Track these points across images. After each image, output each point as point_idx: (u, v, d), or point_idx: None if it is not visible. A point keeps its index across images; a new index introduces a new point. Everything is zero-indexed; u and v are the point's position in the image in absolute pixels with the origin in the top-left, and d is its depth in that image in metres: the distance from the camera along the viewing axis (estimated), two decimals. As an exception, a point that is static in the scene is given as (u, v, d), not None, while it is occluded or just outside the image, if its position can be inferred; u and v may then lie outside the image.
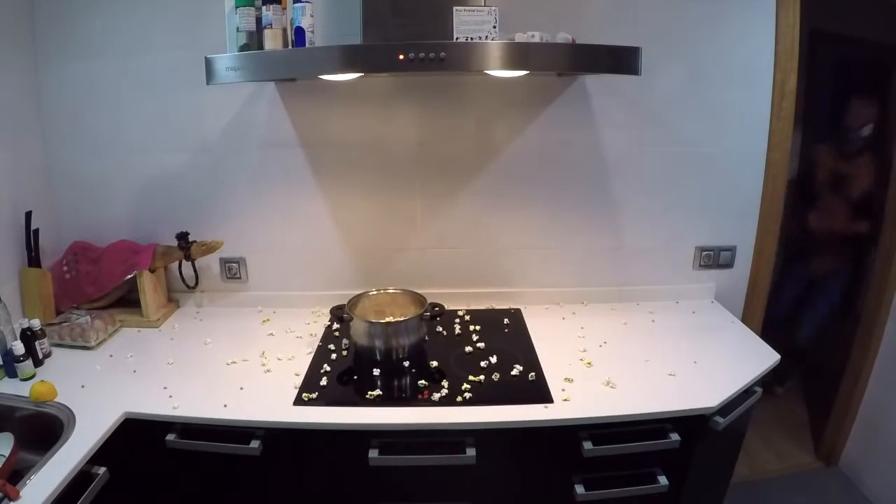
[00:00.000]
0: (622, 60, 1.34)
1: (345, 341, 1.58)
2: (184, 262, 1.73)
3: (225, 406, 1.28)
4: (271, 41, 1.35)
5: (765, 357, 1.51)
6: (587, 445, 1.26)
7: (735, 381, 1.38)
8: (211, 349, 1.57)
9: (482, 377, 1.40)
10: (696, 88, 1.73)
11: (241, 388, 1.36)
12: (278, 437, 1.26)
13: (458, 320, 1.72)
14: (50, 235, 1.71)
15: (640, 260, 1.88)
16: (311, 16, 1.37)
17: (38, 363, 1.42)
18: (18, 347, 1.35)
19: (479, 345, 1.57)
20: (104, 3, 1.62)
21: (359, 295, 1.58)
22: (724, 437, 1.36)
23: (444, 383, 1.37)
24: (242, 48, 1.36)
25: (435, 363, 1.47)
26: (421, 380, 1.38)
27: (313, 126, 1.72)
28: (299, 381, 1.39)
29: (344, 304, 1.50)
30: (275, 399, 1.31)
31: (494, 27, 1.31)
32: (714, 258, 1.89)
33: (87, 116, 1.71)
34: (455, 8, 1.30)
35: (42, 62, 1.66)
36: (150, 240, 1.76)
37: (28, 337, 1.41)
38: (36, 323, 1.43)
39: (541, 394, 1.33)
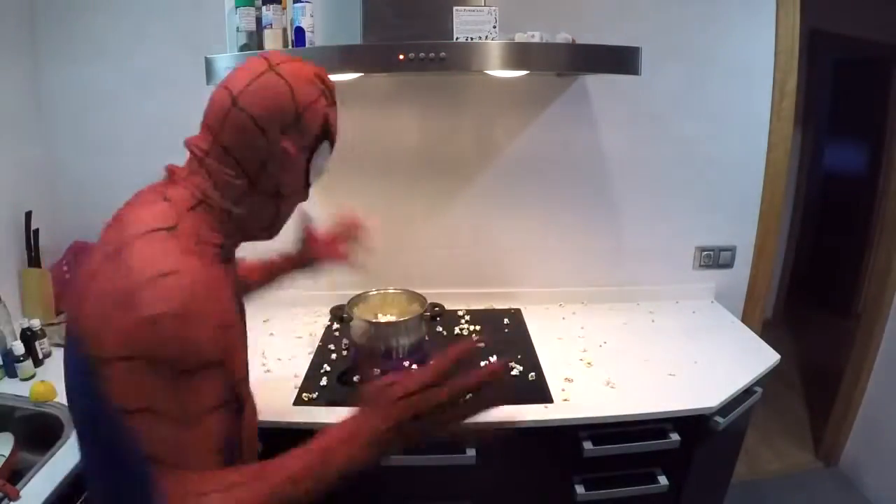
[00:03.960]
0: (622, 60, 1.34)
1: (345, 341, 1.58)
2: (184, 262, 1.72)
3: (225, 406, 1.28)
4: (271, 41, 1.35)
5: (765, 357, 1.51)
6: (587, 445, 1.26)
7: (735, 381, 1.38)
8: (211, 349, 1.57)
9: (482, 377, 1.40)
10: (696, 88, 1.73)
11: (241, 388, 1.36)
12: (278, 436, 1.25)
13: (458, 320, 1.72)
14: (50, 235, 1.71)
15: (640, 260, 1.88)
16: (311, 16, 1.37)
17: (38, 363, 1.42)
18: (18, 347, 1.35)
19: (479, 345, 1.57)
20: (104, 4, 1.62)
21: (359, 295, 1.58)
22: (724, 437, 1.36)
23: (444, 383, 1.37)
24: (242, 48, 1.36)
25: (435, 363, 1.47)
26: None
27: (313, 126, 1.71)
28: (299, 381, 1.39)
29: (344, 304, 1.50)
30: (275, 399, 1.31)
31: (494, 27, 1.31)
32: (714, 258, 1.89)
33: (87, 116, 1.71)
34: (455, 8, 1.30)
35: (42, 62, 1.66)
36: (150, 240, 1.76)
37: (28, 337, 1.40)
38: (36, 323, 1.43)
39: (541, 394, 1.33)
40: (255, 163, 0.73)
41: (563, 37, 1.37)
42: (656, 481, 1.33)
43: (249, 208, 0.76)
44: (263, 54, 0.77)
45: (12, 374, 1.36)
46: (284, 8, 1.36)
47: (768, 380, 1.48)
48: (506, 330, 1.68)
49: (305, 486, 0.63)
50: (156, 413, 0.61)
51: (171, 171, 0.75)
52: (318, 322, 1.73)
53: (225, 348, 0.66)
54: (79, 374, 0.67)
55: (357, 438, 0.64)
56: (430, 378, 0.64)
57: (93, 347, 0.62)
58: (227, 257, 0.78)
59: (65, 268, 1.73)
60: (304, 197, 0.83)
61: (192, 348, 0.62)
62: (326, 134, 0.80)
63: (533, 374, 1.41)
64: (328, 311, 1.58)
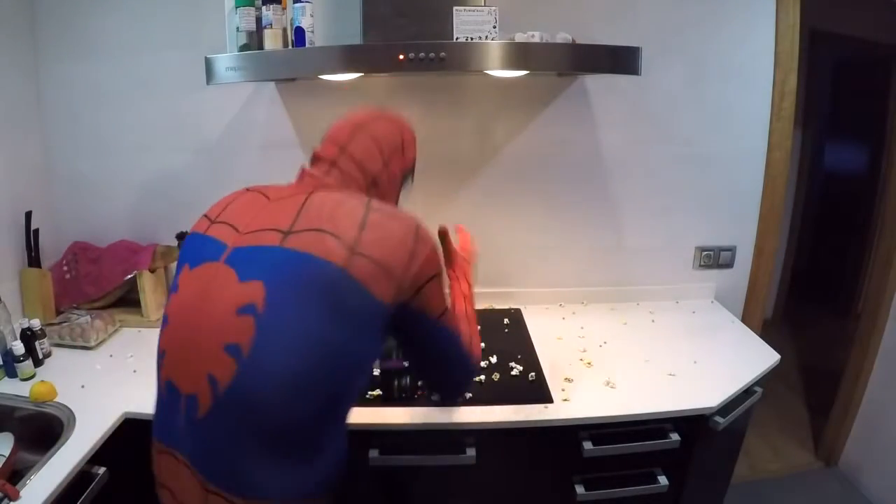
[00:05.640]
0: (622, 60, 1.34)
1: (345, 341, 1.58)
2: (184, 262, 1.73)
3: (225, 406, 1.28)
4: (271, 41, 1.35)
5: (765, 357, 1.51)
6: (587, 445, 1.26)
7: (735, 381, 1.38)
8: (211, 349, 1.57)
9: (482, 377, 1.40)
10: (696, 88, 1.73)
11: (241, 388, 1.36)
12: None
13: (458, 320, 1.72)
14: (50, 235, 1.71)
15: (640, 260, 1.88)
16: (311, 16, 1.37)
17: (38, 363, 1.42)
18: (18, 347, 1.35)
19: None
20: (104, 4, 1.62)
21: (359, 295, 1.58)
22: (724, 437, 1.36)
23: (444, 383, 1.37)
24: (242, 48, 1.36)
25: (435, 363, 1.47)
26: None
27: (313, 126, 1.70)
28: (299, 381, 1.39)
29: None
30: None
31: (494, 27, 1.31)
32: (714, 258, 1.89)
33: (87, 116, 1.71)
34: (455, 8, 1.30)
35: (42, 62, 1.66)
36: (150, 240, 1.76)
37: (28, 337, 1.40)
38: (36, 323, 1.43)
39: (541, 394, 1.33)
40: (373, 170, 0.96)
41: (563, 37, 1.37)
42: (656, 481, 1.33)
43: None
44: (363, 108, 1.03)
45: (12, 374, 1.36)
46: (284, 8, 1.36)
47: (768, 380, 1.48)
48: (506, 330, 1.68)
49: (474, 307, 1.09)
50: (448, 307, 0.93)
51: (308, 174, 0.95)
52: (318, 322, 1.73)
53: None
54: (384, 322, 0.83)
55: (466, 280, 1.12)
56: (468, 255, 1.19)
57: (410, 277, 0.83)
58: None
59: (65, 268, 1.73)
60: None
61: None
62: (412, 171, 1.07)
63: (533, 374, 1.41)
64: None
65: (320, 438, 0.83)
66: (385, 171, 0.97)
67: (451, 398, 1.09)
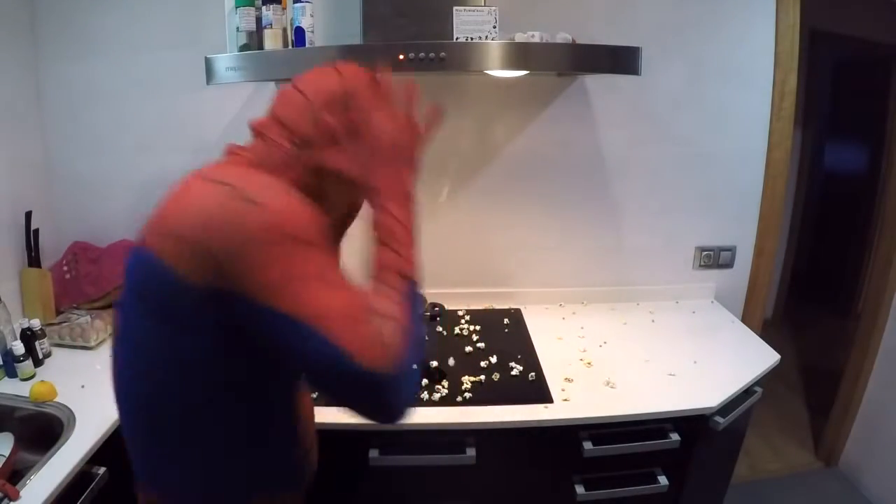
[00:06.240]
0: (622, 60, 1.34)
1: (345, 341, 1.57)
2: (184, 262, 1.72)
3: (225, 406, 1.28)
4: (271, 41, 1.35)
5: (765, 357, 1.51)
6: (587, 445, 1.26)
7: (735, 381, 1.38)
8: (211, 349, 1.57)
9: (482, 377, 1.40)
10: (696, 88, 1.73)
11: (241, 388, 1.36)
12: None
13: (458, 320, 1.72)
14: (50, 235, 1.71)
15: (640, 260, 1.88)
16: (311, 16, 1.37)
17: (38, 363, 1.42)
18: (18, 347, 1.35)
19: (479, 345, 1.57)
20: (104, 3, 1.62)
21: (359, 295, 1.57)
22: (724, 437, 1.36)
23: (444, 383, 1.37)
24: (242, 48, 1.36)
25: (435, 363, 1.47)
26: (421, 379, 1.38)
27: (313, 126, 1.72)
28: (299, 381, 1.39)
29: (344, 304, 1.50)
30: (275, 399, 1.31)
31: (494, 27, 1.31)
32: (714, 258, 1.89)
33: (87, 116, 1.71)
34: (455, 8, 1.30)
35: (42, 61, 1.66)
36: (150, 240, 1.75)
37: (28, 337, 1.40)
38: (36, 323, 1.43)
39: (541, 394, 1.33)
40: (300, 130, 0.77)
41: (563, 37, 1.37)
42: (656, 481, 1.33)
43: (297, 176, 0.79)
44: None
45: (12, 374, 1.36)
46: (284, 8, 1.36)
47: (768, 380, 1.48)
48: (506, 330, 1.68)
49: (410, 258, 0.82)
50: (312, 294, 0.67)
51: (229, 150, 0.83)
52: (318, 322, 1.73)
53: None
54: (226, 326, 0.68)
55: (402, 202, 0.86)
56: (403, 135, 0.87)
57: (224, 251, 0.64)
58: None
59: (65, 268, 1.73)
60: (353, 195, 0.90)
61: None
62: (374, 136, 0.84)
63: (533, 374, 1.41)
64: (328, 311, 1.57)
65: (210, 443, 0.77)
66: (315, 130, 0.76)
67: (377, 418, 0.69)
